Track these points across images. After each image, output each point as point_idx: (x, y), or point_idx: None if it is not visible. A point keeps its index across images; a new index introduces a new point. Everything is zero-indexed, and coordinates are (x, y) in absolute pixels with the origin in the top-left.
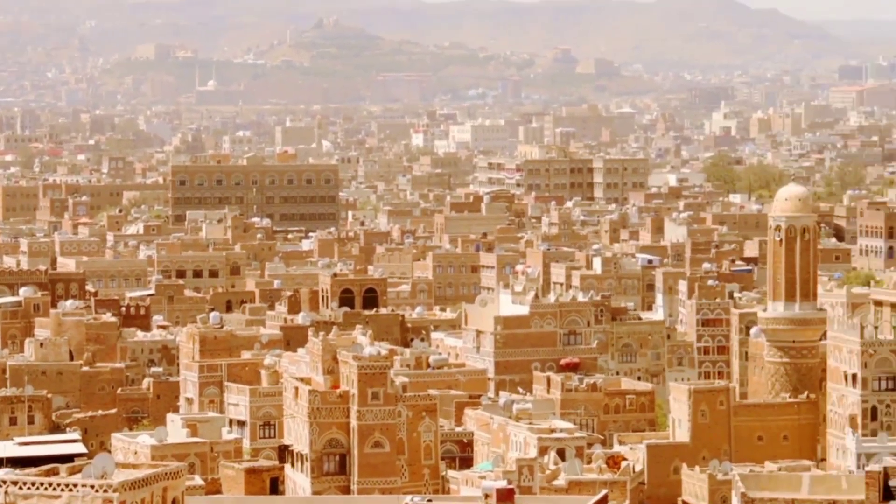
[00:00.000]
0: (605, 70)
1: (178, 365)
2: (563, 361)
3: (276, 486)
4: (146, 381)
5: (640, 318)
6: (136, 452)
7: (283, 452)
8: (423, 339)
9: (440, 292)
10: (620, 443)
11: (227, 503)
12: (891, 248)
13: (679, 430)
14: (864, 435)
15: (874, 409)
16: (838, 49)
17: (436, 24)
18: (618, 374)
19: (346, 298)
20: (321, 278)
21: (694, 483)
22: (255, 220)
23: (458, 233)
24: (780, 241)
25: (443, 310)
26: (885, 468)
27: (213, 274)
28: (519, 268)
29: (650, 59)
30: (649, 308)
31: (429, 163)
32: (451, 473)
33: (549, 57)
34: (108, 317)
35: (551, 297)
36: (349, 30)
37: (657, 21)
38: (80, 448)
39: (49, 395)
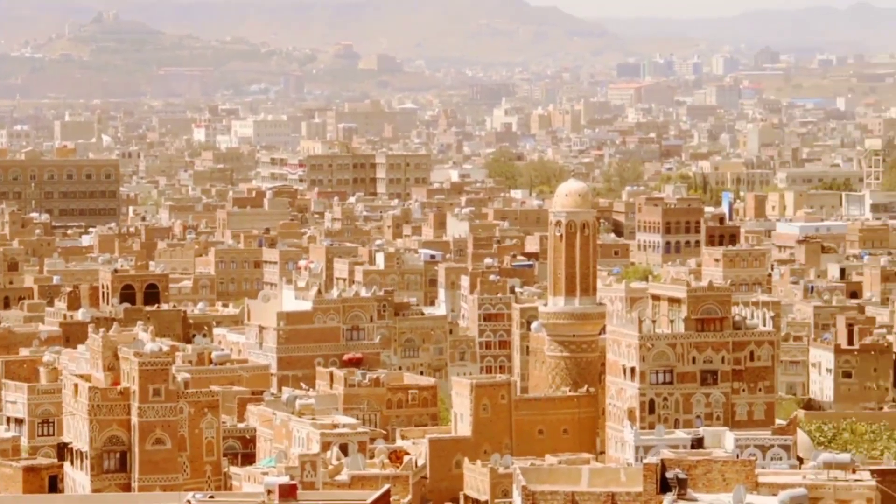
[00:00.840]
0: (388, 66)
1: None
2: (345, 357)
3: (55, 485)
4: None
5: (422, 314)
6: None
7: (63, 450)
8: (205, 335)
9: (222, 288)
10: (403, 437)
11: (4, 502)
12: (668, 243)
13: (461, 424)
14: (642, 428)
15: (652, 402)
16: (616, 47)
17: (217, 19)
18: (400, 368)
19: (126, 294)
20: (101, 274)
21: (475, 477)
22: (34, 215)
23: (240, 228)
24: (561, 236)
25: (225, 305)
26: (662, 460)
27: None
28: (302, 263)
29: (432, 55)
30: (432, 303)
31: (211, 158)
32: (234, 470)
33: (332, 52)
34: None
35: (334, 293)
36: (129, 24)
37: (439, 18)
38: None
39: None
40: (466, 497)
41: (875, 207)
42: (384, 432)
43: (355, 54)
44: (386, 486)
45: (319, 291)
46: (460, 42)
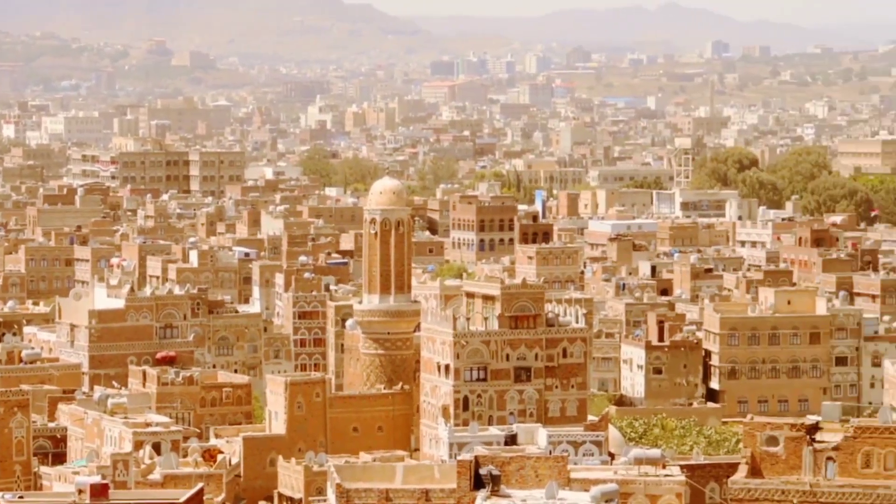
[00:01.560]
0: (201, 63)
1: None
2: (159, 355)
3: None
4: None
5: (237, 311)
6: None
7: None
8: (15, 334)
9: (33, 286)
10: (217, 436)
11: None
12: (482, 240)
13: (275, 422)
14: (456, 425)
15: (466, 399)
16: (430, 45)
17: (27, 14)
18: (215, 367)
19: None
20: None
21: (290, 475)
22: None
23: (51, 226)
24: (375, 234)
25: (36, 304)
26: (475, 457)
27: None
28: (114, 261)
29: (245, 52)
30: (246, 301)
31: (21, 155)
32: (44, 470)
33: (144, 49)
34: None
35: (147, 291)
36: None
37: (252, 14)
38: None
39: None
40: (281, 495)
41: (685, 205)
42: (198, 431)
43: (168, 50)
44: (199, 485)
45: (132, 289)
46: (274, 39)
